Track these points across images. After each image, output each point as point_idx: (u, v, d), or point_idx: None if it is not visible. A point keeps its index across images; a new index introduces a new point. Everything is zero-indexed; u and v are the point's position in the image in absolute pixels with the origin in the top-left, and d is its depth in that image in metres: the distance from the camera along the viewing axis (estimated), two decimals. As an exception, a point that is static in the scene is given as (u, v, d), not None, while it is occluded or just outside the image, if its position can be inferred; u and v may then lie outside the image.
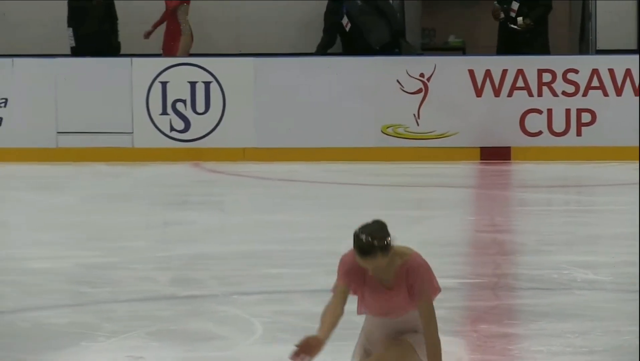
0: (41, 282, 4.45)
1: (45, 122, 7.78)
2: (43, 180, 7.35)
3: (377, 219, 2.27)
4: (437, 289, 2.34)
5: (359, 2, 7.90)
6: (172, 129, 7.77)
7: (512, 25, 7.83)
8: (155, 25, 8.13)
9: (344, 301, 2.32)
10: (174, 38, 8.13)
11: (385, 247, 2.23)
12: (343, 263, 2.32)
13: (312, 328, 2.31)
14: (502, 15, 7.87)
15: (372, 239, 2.22)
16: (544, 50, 7.99)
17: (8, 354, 3.27)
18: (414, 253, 2.32)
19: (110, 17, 8.14)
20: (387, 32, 7.86)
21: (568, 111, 7.67)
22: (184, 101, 7.76)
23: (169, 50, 8.17)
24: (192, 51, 8.14)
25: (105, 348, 3.37)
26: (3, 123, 7.80)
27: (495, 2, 7.98)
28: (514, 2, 7.80)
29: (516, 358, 3.28)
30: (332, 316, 2.29)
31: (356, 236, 2.23)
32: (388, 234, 2.25)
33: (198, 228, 5.74)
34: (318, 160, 7.54)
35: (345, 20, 7.89)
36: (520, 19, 7.77)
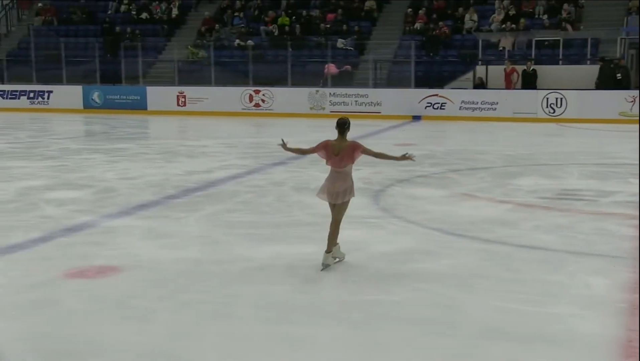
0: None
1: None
2: None
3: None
4: (363, 149, 6.95)
5: (624, 71, 22.17)
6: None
7: None
8: None
9: (308, 151, 7.19)
10: None
11: (348, 127, 7.06)
12: (324, 142, 6.96)
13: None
14: None
15: (346, 121, 7.04)
16: None
17: None
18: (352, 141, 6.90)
19: None
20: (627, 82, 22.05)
21: None
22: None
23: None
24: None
25: None
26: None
27: None
28: None
29: None
30: (301, 149, 7.23)
31: (339, 121, 7.07)
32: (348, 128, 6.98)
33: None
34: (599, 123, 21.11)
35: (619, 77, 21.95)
36: None
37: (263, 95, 25.60)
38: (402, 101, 24.20)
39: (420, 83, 25.21)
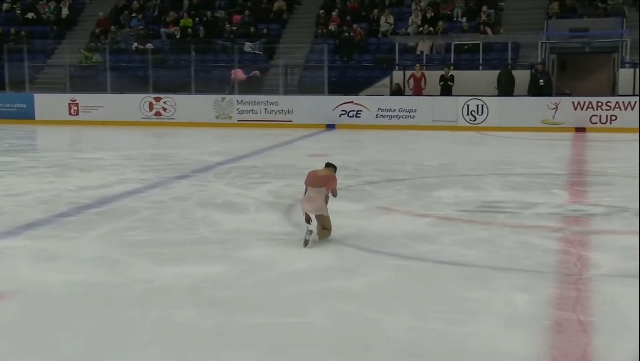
0: None
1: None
2: None
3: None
4: (335, 189, 8.49)
5: (545, 77, 23.38)
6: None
7: None
8: None
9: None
10: None
11: (335, 168, 8.63)
12: (308, 175, 8.55)
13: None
14: None
15: (331, 164, 8.67)
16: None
17: None
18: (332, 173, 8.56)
19: None
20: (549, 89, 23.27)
21: None
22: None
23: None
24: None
25: None
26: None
27: None
28: None
29: None
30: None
31: (328, 163, 8.74)
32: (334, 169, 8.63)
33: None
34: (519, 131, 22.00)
35: (542, 82, 22.74)
36: None
37: (164, 103, 25.38)
38: (314, 109, 24.38)
39: (334, 89, 25.48)
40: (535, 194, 11.96)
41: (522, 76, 24.39)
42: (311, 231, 8.33)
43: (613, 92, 24.19)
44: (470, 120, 23.51)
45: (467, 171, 14.71)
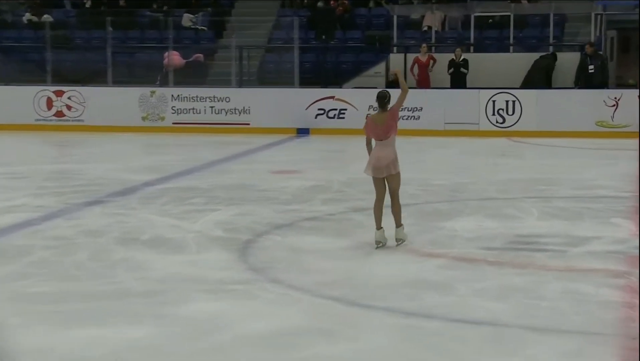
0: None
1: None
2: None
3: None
4: (397, 107, 10.80)
5: (598, 62, 23.72)
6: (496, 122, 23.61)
7: None
8: None
9: (370, 140, 10.77)
10: None
11: (389, 100, 10.64)
12: (366, 124, 10.79)
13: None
14: None
15: (384, 95, 10.63)
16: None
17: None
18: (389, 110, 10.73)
19: None
20: (604, 78, 24.05)
21: None
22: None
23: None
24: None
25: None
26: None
27: None
28: None
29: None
30: (370, 147, 10.77)
31: (380, 94, 10.67)
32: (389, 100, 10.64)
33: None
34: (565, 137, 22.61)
35: (592, 70, 23.60)
36: None
37: (69, 99, 25.31)
38: (281, 107, 24.34)
39: (309, 80, 25.50)
40: (588, 225, 12.02)
41: (569, 61, 24.51)
42: (381, 241, 10.52)
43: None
44: (497, 122, 23.58)
45: (494, 193, 14.77)
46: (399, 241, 10.59)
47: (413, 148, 21.31)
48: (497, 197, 14.37)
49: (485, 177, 16.63)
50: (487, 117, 23.58)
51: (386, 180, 10.57)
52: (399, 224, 10.62)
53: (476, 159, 19.69)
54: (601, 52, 24.52)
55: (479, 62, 24.81)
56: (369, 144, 10.77)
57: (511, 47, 26.61)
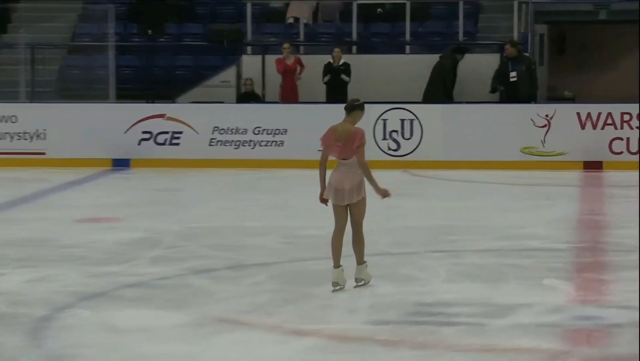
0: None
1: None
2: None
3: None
4: (363, 143, 11.82)
5: (523, 68, 24.63)
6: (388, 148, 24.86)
7: None
8: None
9: (326, 158, 12.02)
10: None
11: (360, 107, 12.07)
12: (324, 136, 11.91)
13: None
14: None
15: (355, 101, 12.19)
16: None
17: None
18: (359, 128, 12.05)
19: None
20: (531, 89, 25.21)
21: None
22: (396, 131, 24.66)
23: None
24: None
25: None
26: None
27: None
28: None
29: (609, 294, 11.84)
30: (323, 170, 12.08)
31: (349, 102, 12.33)
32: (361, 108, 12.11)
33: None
34: (481, 168, 24.12)
35: (514, 78, 24.56)
36: None
37: None
38: (90, 130, 24.27)
39: (129, 93, 25.55)
40: (513, 288, 12.22)
41: (485, 65, 24.90)
42: (339, 283, 11.83)
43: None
44: (389, 149, 23.85)
45: (386, 246, 14.88)
46: (359, 281, 11.96)
47: (274, 186, 21.52)
48: (391, 252, 14.52)
49: (375, 225, 16.70)
50: (377, 142, 23.76)
51: (349, 208, 11.77)
52: (360, 261, 11.99)
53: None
54: (527, 54, 24.91)
55: (365, 66, 25.10)
56: (323, 164, 11.87)
57: (408, 47, 26.96)
